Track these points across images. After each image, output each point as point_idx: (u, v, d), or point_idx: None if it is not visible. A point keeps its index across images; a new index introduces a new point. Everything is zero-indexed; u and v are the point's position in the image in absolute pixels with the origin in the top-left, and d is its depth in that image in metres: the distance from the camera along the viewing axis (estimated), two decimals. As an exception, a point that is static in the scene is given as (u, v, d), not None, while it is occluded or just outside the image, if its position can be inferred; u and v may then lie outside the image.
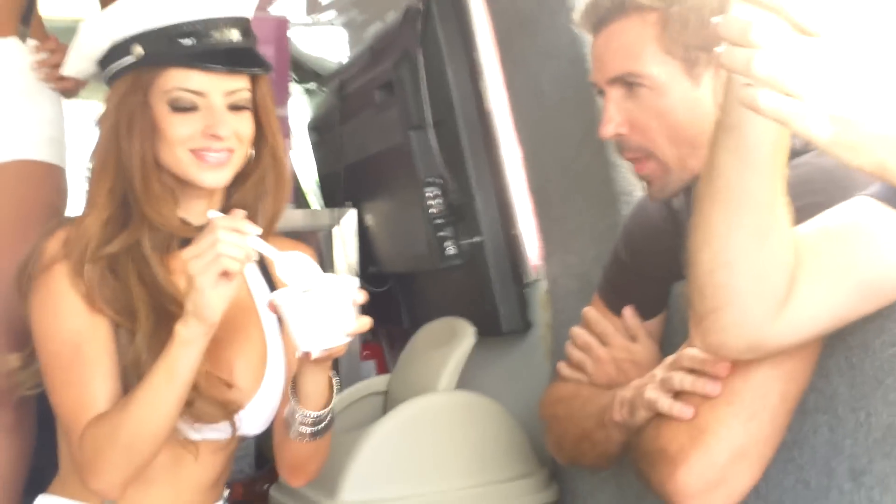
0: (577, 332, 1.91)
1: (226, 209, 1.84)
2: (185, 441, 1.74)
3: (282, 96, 3.34)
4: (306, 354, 1.62)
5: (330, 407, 1.75)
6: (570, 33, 2.14)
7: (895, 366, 1.38)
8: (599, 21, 1.71)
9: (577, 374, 1.88)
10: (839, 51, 0.98)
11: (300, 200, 3.81)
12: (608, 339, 1.87)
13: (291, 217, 3.32)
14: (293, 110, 3.58)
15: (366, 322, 1.63)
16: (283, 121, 3.38)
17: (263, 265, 1.90)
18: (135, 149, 1.75)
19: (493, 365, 2.74)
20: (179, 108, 1.75)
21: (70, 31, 1.87)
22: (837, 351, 1.47)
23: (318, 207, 3.82)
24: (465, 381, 2.52)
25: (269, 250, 1.62)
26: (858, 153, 1.02)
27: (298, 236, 3.48)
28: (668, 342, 1.84)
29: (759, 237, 1.29)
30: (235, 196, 1.86)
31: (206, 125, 1.75)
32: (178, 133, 1.75)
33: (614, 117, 1.70)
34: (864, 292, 1.33)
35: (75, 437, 1.69)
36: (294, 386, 1.73)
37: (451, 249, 2.74)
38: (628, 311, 1.87)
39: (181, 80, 1.75)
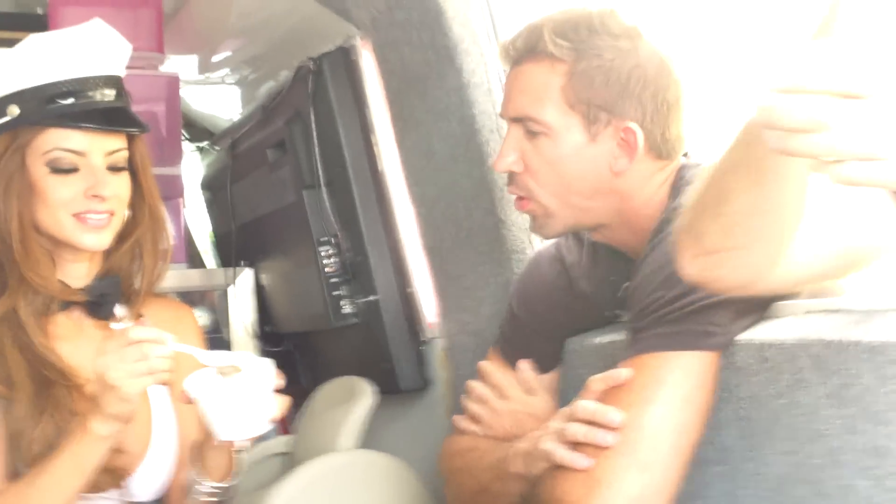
0: (474, 385, 1.92)
1: (102, 271, 1.82)
2: None
3: (174, 155, 3.32)
4: (224, 441, 1.60)
5: (231, 478, 1.73)
6: (459, 94, 2.18)
7: (783, 417, 1.42)
8: (515, 59, 1.74)
9: (474, 426, 1.89)
10: None
11: (195, 260, 3.78)
12: (505, 391, 1.89)
13: (186, 276, 3.30)
14: (186, 168, 3.55)
15: (285, 403, 1.61)
16: (177, 179, 3.36)
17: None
18: (12, 212, 1.72)
19: (394, 423, 2.74)
20: (59, 169, 1.73)
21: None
22: (729, 404, 1.51)
23: (214, 266, 3.78)
24: (367, 439, 2.51)
25: (191, 350, 1.60)
26: None
27: (193, 295, 3.48)
28: (564, 397, 1.86)
29: (804, 188, 1.25)
30: (113, 258, 1.83)
31: (88, 186, 1.73)
32: (59, 195, 1.72)
33: (509, 154, 1.73)
34: (845, 258, 1.36)
35: None
36: (195, 457, 1.71)
37: (346, 308, 2.74)
38: (524, 365, 1.89)
39: (60, 140, 1.73)
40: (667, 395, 1.48)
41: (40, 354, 1.73)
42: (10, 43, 1.90)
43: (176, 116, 3.29)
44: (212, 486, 1.71)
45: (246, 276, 3.30)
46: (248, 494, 2.41)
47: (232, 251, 3.33)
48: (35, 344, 1.73)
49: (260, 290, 3.35)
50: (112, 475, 1.72)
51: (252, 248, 3.34)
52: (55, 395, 1.70)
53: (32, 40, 1.76)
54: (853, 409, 1.31)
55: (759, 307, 1.54)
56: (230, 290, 3.27)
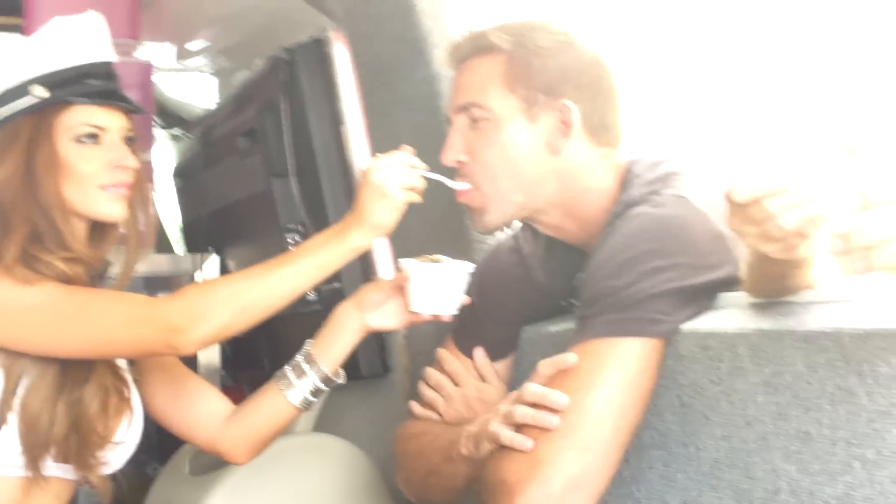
0: (430, 371, 1.97)
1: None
2: (38, 477, 1.73)
3: (146, 140, 3.34)
4: (435, 317, 1.82)
5: (338, 377, 1.88)
6: (428, 86, 2.22)
7: (720, 403, 1.47)
8: (460, 59, 1.83)
9: (428, 412, 1.94)
10: None
11: (163, 245, 3.80)
12: (459, 378, 1.94)
13: (154, 261, 3.31)
14: (157, 155, 3.57)
15: (469, 301, 1.84)
16: (147, 165, 3.38)
17: None
18: (58, 189, 1.77)
19: (353, 409, 2.77)
20: (85, 144, 1.79)
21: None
22: (671, 390, 1.56)
23: (181, 253, 3.80)
24: (325, 424, 2.54)
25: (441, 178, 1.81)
26: None
27: (159, 281, 3.50)
28: (518, 384, 1.89)
29: None
30: (106, 238, 1.88)
31: (112, 158, 1.80)
32: (88, 168, 1.79)
33: (455, 145, 1.81)
34: None
35: (155, 306, 1.72)
36: (317, 348, 1.87)
37: (311, 295, 2.76)
38: (478, 352, 1.94)
39: (88, 116, 1.80)
40: (610, 379, 1.53)
41: None
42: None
43: (149, 103, 3.31)
44: (324, 375, 1.87)
45: (212, 263, 3.33)
46: (202, 475, 2.43)
47: (200, 237, 3.35)
48: None
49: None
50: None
51: (220, 236, 3.36)
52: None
53: (55, 25, 1.82)
54: (785, 396, 1.37)
55: (705, 297, 1.59)
56: (196, 275, 3.30)
